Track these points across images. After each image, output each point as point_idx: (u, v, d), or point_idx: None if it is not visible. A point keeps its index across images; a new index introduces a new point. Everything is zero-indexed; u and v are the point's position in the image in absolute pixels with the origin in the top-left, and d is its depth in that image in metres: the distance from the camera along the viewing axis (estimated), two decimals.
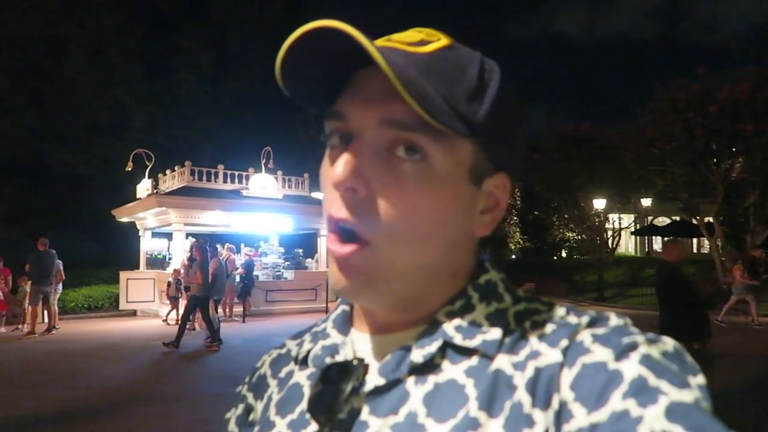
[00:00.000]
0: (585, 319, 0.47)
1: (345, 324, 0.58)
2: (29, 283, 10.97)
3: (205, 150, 25.24)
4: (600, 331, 0.45)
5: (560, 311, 0.50)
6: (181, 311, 12.93)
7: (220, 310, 13.22)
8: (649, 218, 26.52)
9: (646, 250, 32.23)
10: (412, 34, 0.51)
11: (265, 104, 25.16)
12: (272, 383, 0.60)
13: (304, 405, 0.53)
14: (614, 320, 0.47)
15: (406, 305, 0.52)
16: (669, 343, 0.44)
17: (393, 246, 0.48)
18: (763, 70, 15.17)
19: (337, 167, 0.47)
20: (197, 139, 25.60)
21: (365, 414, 0.49)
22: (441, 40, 0.51)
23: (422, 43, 0.50)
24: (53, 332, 10.84)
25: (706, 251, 27.41)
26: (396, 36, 0.51)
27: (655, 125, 16.29)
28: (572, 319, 0.48)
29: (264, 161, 16.37)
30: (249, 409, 0.61)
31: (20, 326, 11.50)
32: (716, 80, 15.87)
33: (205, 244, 11.91)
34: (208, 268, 9.51)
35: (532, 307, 0.52)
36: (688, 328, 4.37)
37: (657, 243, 34.34)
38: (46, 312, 11.16)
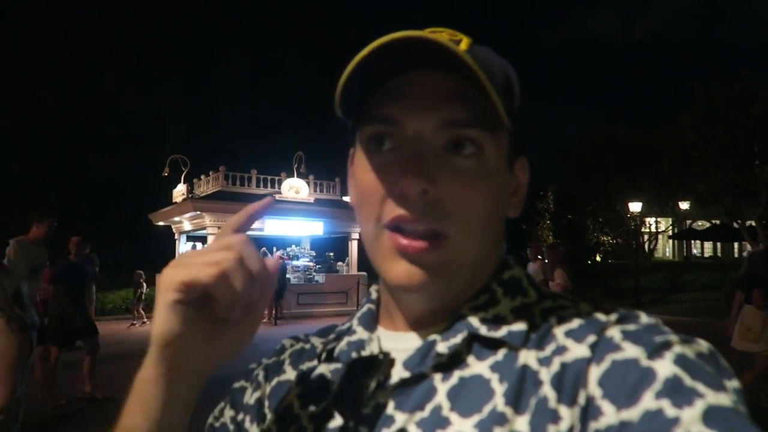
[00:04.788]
0: (614, 316, 0.46)
1: (371, 321, 0.57)
2: None
3: (239, 155, 25.73)
4: (630, 327, 0.44)
5: (587, 308, 0.49)
6: None
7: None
8: (688, 222, 25.80)
9: (685, 254, 31.36)
10: (440, 35, 0.49)
11: (297, 110, 25.50)
12: (290, 372, 0.60)
13: (328, 399, 0.53)
14: (645, 318, 0.45)
15: (447, 300, 0.51)
16: (703, 344, 0.43)
17: (466, 239, 0.49)
18: None
19: (406, 172, 0.47)
20: (232, 144, 26.14)
21: (391, 409, 0.48)
22: (464, 39, 0.51)
23: (456, 42, 0.50)
24: None
25: None
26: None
27: (695, 128, 15.89)
28: (600, 316, 0.47)
29: (296, 166, 16.55)
30: (257, 387, 0.63)
31: None
32: (758, 81, 15.39)
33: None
34: None
35: (558, 304, 0.51)
36: None
37: (696, 247, 33.38)
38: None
